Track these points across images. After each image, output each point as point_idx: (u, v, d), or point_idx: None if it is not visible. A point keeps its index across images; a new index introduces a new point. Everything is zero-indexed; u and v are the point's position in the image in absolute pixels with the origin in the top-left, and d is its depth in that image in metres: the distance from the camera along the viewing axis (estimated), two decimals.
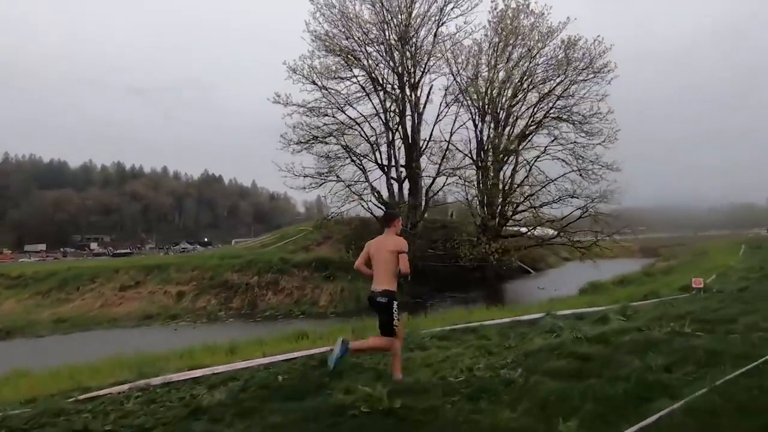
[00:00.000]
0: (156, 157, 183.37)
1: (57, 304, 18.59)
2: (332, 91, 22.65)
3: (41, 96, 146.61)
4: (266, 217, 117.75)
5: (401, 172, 23.91)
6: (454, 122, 26.19)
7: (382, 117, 23.38)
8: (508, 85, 29.65)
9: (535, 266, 34.73)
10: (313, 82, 21.67)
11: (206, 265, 21.88)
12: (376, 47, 24.90)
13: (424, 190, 24.74)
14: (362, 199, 22.54)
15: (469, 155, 28.98)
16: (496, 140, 29.55)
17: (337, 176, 22.68)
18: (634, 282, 21.57)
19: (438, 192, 25.23)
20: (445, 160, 25.91)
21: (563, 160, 29.13)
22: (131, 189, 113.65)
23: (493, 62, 28.39)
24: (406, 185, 24.91)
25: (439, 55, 26.49)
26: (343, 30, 23.32)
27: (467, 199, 28.52)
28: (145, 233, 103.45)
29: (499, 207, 29.54)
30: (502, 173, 29.63)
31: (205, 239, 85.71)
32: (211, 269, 21.18)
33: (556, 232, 29.13)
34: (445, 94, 26.63)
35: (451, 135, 26.18)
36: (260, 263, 21.69)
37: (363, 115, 23.53)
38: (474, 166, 29.17)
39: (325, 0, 22.94)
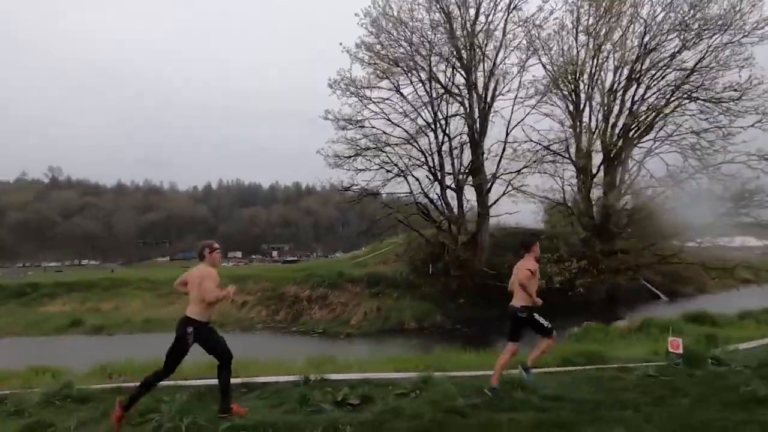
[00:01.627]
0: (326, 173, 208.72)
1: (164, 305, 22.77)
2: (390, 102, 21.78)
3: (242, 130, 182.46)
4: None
5: (461, 179, 21.43)
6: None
7: (440, 124, 21.43)
8: (618, 61, 24.01)
9: (677, 290, 26.63)
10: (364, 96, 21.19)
11: (277, 276, 23.78)
12: (439, 48, 23.10)
13: (488, 198, 21.65)
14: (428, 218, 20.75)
15: (567, 156, 24.37)
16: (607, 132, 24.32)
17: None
18: None
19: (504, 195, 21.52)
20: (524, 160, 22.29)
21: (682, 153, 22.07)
22: (305, 205, 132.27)
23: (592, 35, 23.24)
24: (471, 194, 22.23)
25: (514, 42, 23.13)
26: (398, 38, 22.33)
27: (567, 205, 23.79)
28: (315, 242, 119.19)
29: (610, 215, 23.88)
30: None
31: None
32: (277, 281, 22.92)
33: None
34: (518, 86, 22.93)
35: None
36: (317, 277, 22.43)
37: (425, 124, 22.02)
38: (573, 167, 24.42)
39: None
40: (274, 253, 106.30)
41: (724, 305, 19.36)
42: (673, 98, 24.29)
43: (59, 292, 27.40)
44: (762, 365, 5.31)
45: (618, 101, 25.23)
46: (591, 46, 23.69)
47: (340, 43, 19.51)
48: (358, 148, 19.72)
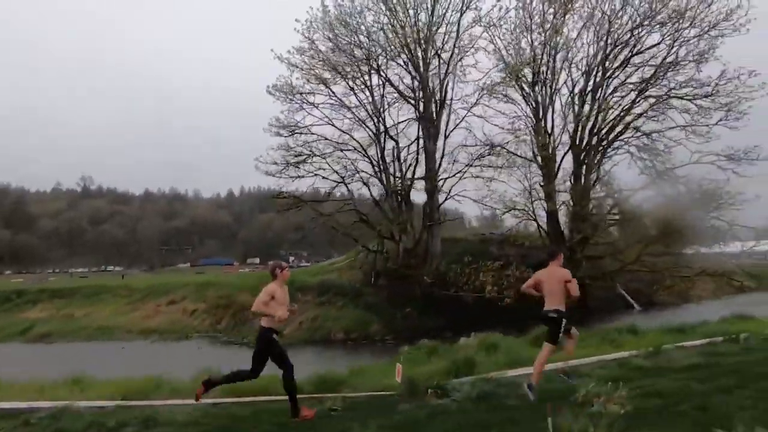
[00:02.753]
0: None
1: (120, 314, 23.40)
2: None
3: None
4: None
5: (408, 184, 20.94)
6: None
7: (386, 127, 21.07)
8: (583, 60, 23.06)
9: (657, 299, 25.10)
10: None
11: (236, 283, 24.01)
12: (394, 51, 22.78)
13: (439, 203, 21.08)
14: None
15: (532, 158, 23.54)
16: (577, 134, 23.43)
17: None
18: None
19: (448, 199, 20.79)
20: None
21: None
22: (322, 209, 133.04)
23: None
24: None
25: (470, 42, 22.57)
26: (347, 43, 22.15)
27: (525, 210, 22.88)
28: (331, 248, 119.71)
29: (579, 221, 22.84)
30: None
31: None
32: (234, 287, 23.10)
33: None
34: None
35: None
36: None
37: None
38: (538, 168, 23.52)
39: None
40: (291, 259, 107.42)
41: (679, 316, 18.12)
42: (640, 97, 23.10)
43: (42, 299, 28.59)
44: (481, 397, 4.82)
45: (588, 101, 24.22)
46: (549, 43, 22.83)
47: (272, 50, 19.40)
48: (295, 155, 19.52)
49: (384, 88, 22.37)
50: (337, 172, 19.87)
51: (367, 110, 21.09)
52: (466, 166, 21.18)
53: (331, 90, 19.69)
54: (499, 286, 17.53)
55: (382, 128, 21.12)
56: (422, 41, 22.80)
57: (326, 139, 19.91)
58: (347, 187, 20.12)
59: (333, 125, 20.28)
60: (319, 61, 19.48)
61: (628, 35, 22.80)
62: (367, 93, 21.12)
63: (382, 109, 21.07)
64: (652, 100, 22.93)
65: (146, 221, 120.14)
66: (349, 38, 20.11)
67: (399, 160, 21.07)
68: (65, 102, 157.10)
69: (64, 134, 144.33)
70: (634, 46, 22.99)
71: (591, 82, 23.86)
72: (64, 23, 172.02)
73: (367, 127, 20.69)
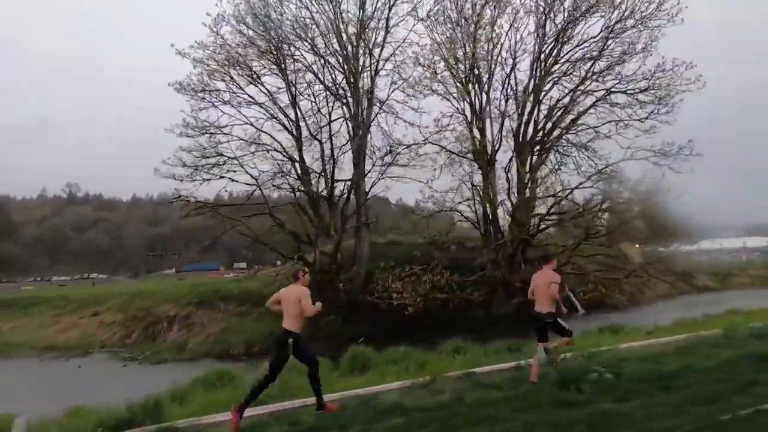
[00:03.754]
0: None
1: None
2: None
3: None
4: None
5: (330, 186, 19.92)
6: None
7: (308, 126, 20.07)
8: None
9: (606, 302, 24.07)
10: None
11: (168, 293, 22.98)
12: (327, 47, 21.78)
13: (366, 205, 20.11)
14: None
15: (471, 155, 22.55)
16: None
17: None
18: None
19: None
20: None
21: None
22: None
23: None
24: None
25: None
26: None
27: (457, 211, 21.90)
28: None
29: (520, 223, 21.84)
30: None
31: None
32: (164, 297, 22.09)
33: None
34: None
35: None
36: (196, 293, 21.47)
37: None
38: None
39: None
40: (278, 262, 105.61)
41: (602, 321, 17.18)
42: (579, 93, 22.18)
43: None
44: None
45: (530, 99, 23.28)
46: (484, 38, 21.88)
47: (172, 45, 18.25)
48: (204, 157, 18.42)
49: (312, 86, 21.44)
50: (251, 175, 18.77)
51: (293, 112, 20.12)
52: (391, 165, 20.21)
53: (240, 86, 18.60)
54: (410, 294, 16.50)
55: (305, 127, 20.12)
56: (352, 36, 21.90)
57: (241, 139, 18.87)
58: (261, 190, 18.98)
59: (253, 125, 19.26)
60: (226, 56, 18.40)
61: (564, 28, 21.94)
62: (294, 91, 20.06)
63: (306, 108, 20.11)
64: (594, 97, 22.08)
65: (131, 227, 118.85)
66: (266, 33, 19.10)
67: (323, 160, 20.08)
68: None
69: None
70: (569, 39, 22.16)
71: (531, 78, 22.96)
72: None
73: (289, 126, 19.63)
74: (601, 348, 7.14)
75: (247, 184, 18.94)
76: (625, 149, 19.99)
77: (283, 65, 19.31)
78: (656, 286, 28.24)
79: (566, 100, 22.66)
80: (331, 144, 20.50)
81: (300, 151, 19.27)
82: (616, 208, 20.95)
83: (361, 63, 22.01)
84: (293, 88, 19.51)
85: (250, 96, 18.65)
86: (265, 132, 19.47)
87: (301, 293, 4.95)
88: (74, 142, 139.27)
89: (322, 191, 19.89)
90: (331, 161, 19.73)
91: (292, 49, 19.82)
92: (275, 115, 19.12)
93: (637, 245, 26.69)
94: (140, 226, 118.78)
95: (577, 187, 21.41)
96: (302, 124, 19.95)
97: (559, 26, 22.01)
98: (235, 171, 18.45)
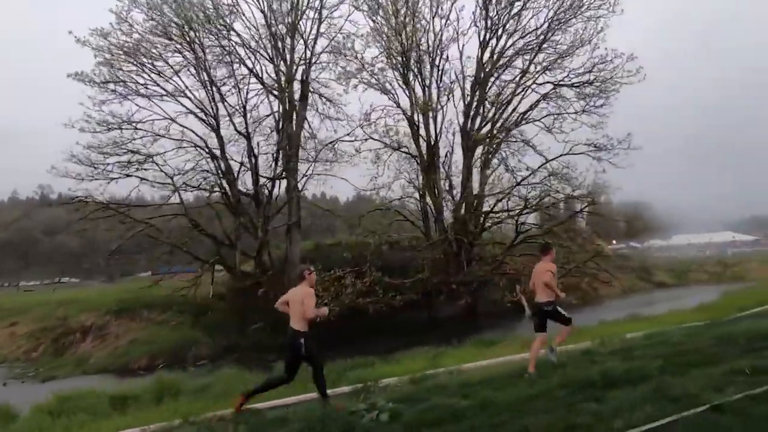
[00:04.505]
0: None
1: None
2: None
3: None
4: None
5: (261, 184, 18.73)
6: None
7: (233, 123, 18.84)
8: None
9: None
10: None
11: (95, 300, 21.54)
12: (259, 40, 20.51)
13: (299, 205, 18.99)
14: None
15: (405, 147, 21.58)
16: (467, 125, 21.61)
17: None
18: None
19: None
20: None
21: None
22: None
23: None
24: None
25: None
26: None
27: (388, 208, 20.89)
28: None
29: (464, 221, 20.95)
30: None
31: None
32: (89, 305, 20.63)
33: None
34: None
35: None
36: (119, 301, 20.09)
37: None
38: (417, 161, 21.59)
39: None
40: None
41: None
42: (524, 85, 21.40)
43: None
44: None
45: (477, 92, 22.41)
46: (421, 27, 20.91)
47: (70, 32, 16.41)
48: (115, 154, 17.05)
49: (239, 78, 20.21)
50: (165, 173, 17.41)
51: (213, 106, 18.80)
52: (326, 162, 19.16)
53: (151, 77, 17.21)
54: (330, 300, 15.46)
55: (230, 122, 18.88)
56: (286, 26, 20.75)
57: (156, 134, 17.49)
58: (177, 189, 17.65)
59: (174, 121, 17.93)
60: (135, 44, 16.97)
61: (502, 21, 21.15)
62: (211, 81, 18.76)
63: (235, 103, 18.86)
64: (537, 93, 21.37)
65: (105, 229, 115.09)
66: (182, 20, 17.74)
67: (251, 156, 18.87)
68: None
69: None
70: (514, 31, 21.39)
71: (475, 71, 22.09)
72: None
73: (207, 119, 18.34)
74: (450, 367, 6.18)
75: (161, 183, 17.62)
76: (564, 144, 19.23)
77: (202, 55, 18.03)
78: (613, 284, 27.71)
79: (511, 94, 21.92)
80: (249, 140, 19.17)
81: (222, 147, 18.04)
82: (560, 205, 20.22)
83: (298, 55, 20.95)
84: (211, 79, 18.23)
85: (164, 89, 17.31)
86: (186, 128, 18.23)
87: (305, 294, 4.89)
88: (45, 141, 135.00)
89: (248, 190, 18.70)
90: (255, 158, 18.47)
91: (215, 37, 18.52)
92: (193, 110, 17.83)
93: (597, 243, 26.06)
94: (113, 228, 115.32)
95: (518, 184, 20.66)
96: (224, 117, 18.68)
97: (501, 17, 21.22)
98: (146, 169, 17.11)
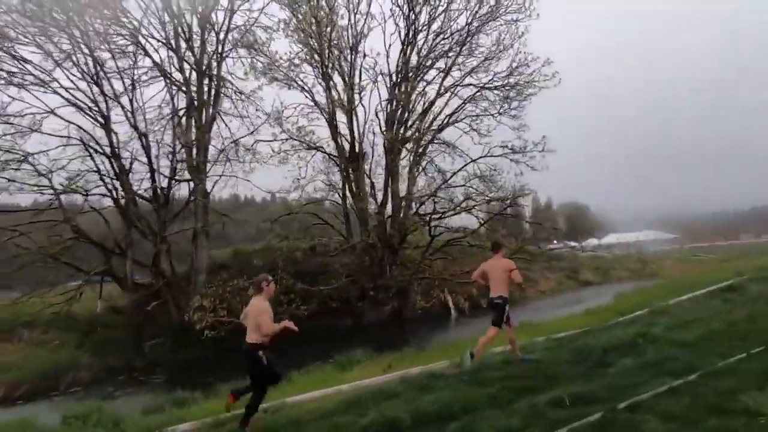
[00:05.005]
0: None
1: None
2: None
3: None
4: None
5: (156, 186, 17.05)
6: None
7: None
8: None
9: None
10: None
11: None
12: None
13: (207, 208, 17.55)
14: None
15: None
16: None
17: None
18: None
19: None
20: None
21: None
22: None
23: None
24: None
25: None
26: None
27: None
28: None
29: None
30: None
31: None
32: None
33: None
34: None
35: None
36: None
37: None
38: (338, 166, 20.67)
39: None
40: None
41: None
42: (444, 88, 21.13)
43: None
44: None
45: (398, 91, 21.82)
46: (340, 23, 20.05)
47: None
48: None
49: (148, 74, 18.42)
50: (40, 173, 15.33)
51: (103, 99, 16.87)
52: (239, 162, 17.82)
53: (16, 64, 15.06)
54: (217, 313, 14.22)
55: (124, 118, 17.04)
56: (195, 15, 19.18)
57: (34, 130, 15.34)
58: (56, 192, 15.65)
59: (52, 112, 15.80)
60: None
61: (429, 20, 20.79)
62: (98, 73, 16.82)
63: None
64: (459, 98, 21.19)
65: (36, 236, 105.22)
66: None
67: (149, 157, 17.14)
68: None
69: None
70: (439, 34, 21.09)
71: (396, 71, 21.53)
72: None
73: (93, 114, 16.41)
74: (274, 402, 5.28)
75: (38, 186, 15.51)
76: (483, 146, 19.12)
77: (92, 42, 16.11)
78: (541, 283, 28.20)
79: (435, 95, 21.62)
80: (147, 137, 17.46)
81: (111, 144, 16.19)
82: (481, 207, 20.07)
83: (211, 48, 19.43)
84: (103, 69, 16.37)
85: (40, 79, 15.19)
86: (74, 124, 16.18)
87: (261, 309, 4.68)
88: None
89: (146, 191, 17.00)
90: (153, 157, 16.80)
91: (106, 22, 16.63)
92: (78, 104, 15.85)
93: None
94: (40, 235, 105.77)
95: (440, 187, 20.34)
96: (119, 112, 16.84)
97: (423, 17, 20.85)
98: (15, 169, 14.96)
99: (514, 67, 19.81)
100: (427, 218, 20.33)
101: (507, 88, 20.85)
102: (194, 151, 18.26)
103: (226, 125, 20.11)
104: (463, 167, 19.73)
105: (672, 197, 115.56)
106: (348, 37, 20.27)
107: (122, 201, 16.35)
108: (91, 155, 15.72)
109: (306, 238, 18.87)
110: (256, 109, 20.03)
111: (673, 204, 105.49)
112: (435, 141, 22.57)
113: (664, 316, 7.74)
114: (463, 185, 21.09)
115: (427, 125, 22.36)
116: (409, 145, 22.20)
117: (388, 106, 21.44)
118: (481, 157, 19.50)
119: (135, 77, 17.93)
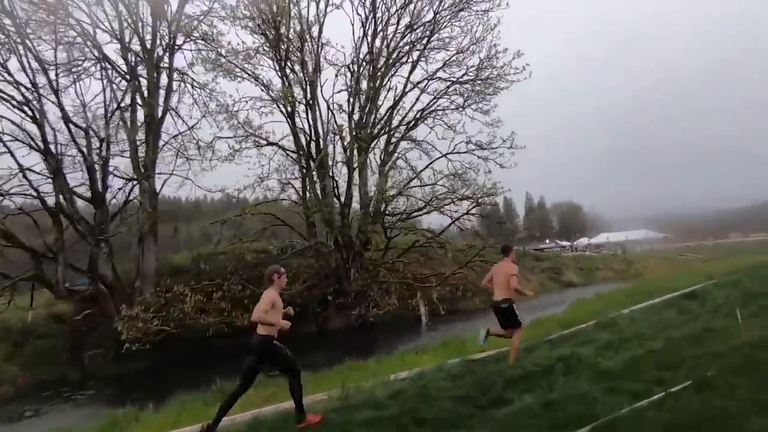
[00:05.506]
0: None
1: None
2: None
3: None
4: None
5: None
6: None
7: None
8: None
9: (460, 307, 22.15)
10: None
11: None
12: None
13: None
14: None
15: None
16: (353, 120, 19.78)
17: None
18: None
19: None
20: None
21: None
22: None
23: None
24: None
25: None
26: None
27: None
28: None
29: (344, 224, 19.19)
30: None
31: None
32: None
33: None
34: None
35: None
36: None
37: None
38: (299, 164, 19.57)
39: None
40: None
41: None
42: (411, 83, 20.10)
43: None
44: None
45: (364, 84, 20.79)
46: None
47: None
48: None
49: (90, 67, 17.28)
50: None
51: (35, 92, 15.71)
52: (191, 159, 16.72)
53: None
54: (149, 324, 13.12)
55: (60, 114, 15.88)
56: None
57: None
58: None
59: None
60: None
61: (396, 11, 19.75)
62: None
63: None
64: (429, 94, 20.18)
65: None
66: None
67: (85, 155, 15.95)
68: None
69: None
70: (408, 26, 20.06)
71: (362, 59, 20.47)
72: None
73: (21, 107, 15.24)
74: None
75: None
76: (449, 141, 18.10)
77: (20, 31, 14.96)
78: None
79: (401, 90, 20.62)
80: (87, 133, 16.30)
81: (45, 142, 15.05)
82: (446, 209, 18.98)
83: (163, 40, 18.36)
84: (34, 62, 15.22)
85: None
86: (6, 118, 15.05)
87: (264, 299, 4.52)
88: None
89: (85, 191, 15.88)
90: (87, 156, 15.61)
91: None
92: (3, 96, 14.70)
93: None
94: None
95: (406, 186, 19.26)
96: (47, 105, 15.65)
97: (389, 8, 19.81)
98: None
99: (484, 57, 18.81)
100: (381, 219, 19.30)
101: (478, 82, 19.88)
102: (143, 148, 17.25)
103: (185, 122, 19.18)
104: (429, 164, 18.75)
105: (667, 196, 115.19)
106: (307, 27, 19.20)
107: (59, 200, 15.17)
108: (10, 152, 14.53)
109: (271, 241, 17.77)
110: (208, 104, 19.05)
111: (668, 203, 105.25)
112: (405, 138, 21.58)
113: (607, 331, 6.75)
114: (433, 184, 20.09)
115: (397, 122, 21.39)
116: (377, 143, 21.21)
117: (352, 99, 20.38)
118: (447, 154, 18.47)
119: (76, 70, 16.84)
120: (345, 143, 19.66)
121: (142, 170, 17.06)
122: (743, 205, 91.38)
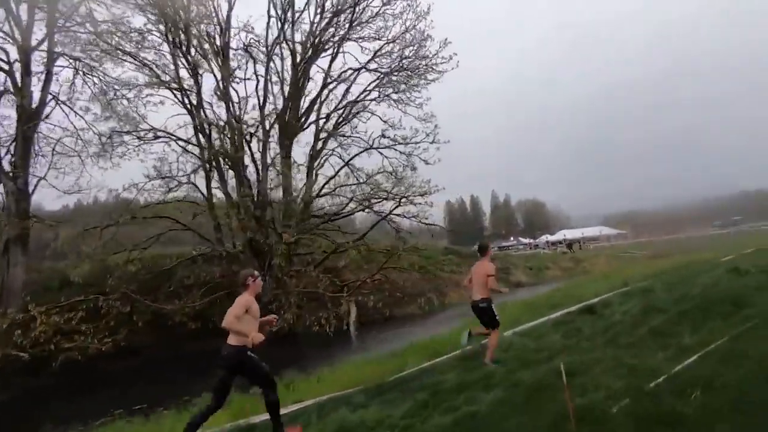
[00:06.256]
0: None
1: None
2: None
3: None
4: None
5: None
6: None
7: None
8: None
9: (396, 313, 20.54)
10: None
11: None
12: None
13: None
14: None
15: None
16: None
17: None
18: None
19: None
20: None
21: None
22: None
23: None
24: None
25: None
26: None
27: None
28: None
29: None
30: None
31: None
32: None
33: None
34: None
35: None
36: None
37: None
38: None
39: None
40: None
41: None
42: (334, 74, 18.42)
43: None
44: None
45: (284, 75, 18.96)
46: None
47: None
48: None
49: None
50: None
51: None
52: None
53: None
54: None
55: None
56: None
57: None
58: None
59: None
60: None
61: None
62: None
63: None
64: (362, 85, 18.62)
65: None
66: None
67: None
68: None
69: None
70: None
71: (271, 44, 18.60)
72: None
73: None
74: None
75: None
76: (370, 135, 16.53)
77: None
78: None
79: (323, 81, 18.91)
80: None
81: None
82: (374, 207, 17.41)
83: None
84: None
85: None
86: None
87: (237, 303, 4.19)
88: None
89: None
90: None
91: None
92: None
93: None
94: None
95: (326, 183, 17.59)
96: None
97: None
98: None
99: (408, 42, 17.32)
100: (303, 220, 17.57)
101: (408, 72, 18.44)
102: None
103: (78, 114, 16.85)
104: (354, 156, 17.10)
105: (626, 193, 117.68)
106: (214, 7, 17.20)
107: None
108: None
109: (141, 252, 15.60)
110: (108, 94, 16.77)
111: (626, 200, 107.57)
112: (334, 134, 19.91)
113: (457, 370, 5.24)
114: (364, 182, 18.47)
115: (324, 115, 19.69)
116: (299, 138, 19.46)
117: (268, 88, 18.49)
118: (371, 148, 16.88)
119: None
120: (259, 137, 17.79)
121: (12, 168, 14.74)
122: (697, 201, 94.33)
